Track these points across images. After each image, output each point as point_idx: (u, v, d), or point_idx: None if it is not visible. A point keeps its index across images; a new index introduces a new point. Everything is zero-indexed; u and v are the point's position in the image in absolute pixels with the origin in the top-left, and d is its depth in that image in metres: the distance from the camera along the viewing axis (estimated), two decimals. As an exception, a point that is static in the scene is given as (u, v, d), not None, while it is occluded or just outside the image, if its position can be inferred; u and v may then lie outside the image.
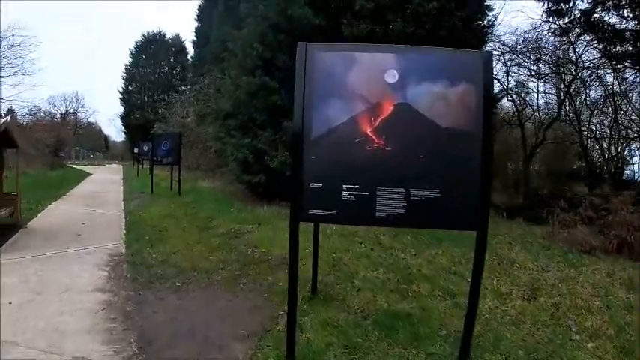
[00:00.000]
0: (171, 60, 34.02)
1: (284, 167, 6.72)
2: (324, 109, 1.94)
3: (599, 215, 4.59)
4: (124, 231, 5.53)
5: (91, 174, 17.27)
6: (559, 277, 3.58)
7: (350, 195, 1.93)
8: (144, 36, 33.84)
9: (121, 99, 33.86)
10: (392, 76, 1.94)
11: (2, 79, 17.72)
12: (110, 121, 79.61)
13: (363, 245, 4.48)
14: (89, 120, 41.85)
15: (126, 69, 33.77)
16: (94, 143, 42.23)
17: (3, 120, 4.99)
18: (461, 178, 1.95)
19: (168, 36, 34.30)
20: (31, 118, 21.91)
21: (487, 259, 4.29)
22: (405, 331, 2.57)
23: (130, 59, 33.95)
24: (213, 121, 10.45)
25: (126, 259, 4.15)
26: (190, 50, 29.88)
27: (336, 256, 4.09)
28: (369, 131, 1.93)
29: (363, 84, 1.95)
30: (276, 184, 7.16)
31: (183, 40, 33.70)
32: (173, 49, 33.99)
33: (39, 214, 6.47)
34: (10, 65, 18.35)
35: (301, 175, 1.94)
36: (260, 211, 6.64)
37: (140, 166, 17.80)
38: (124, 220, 6.38)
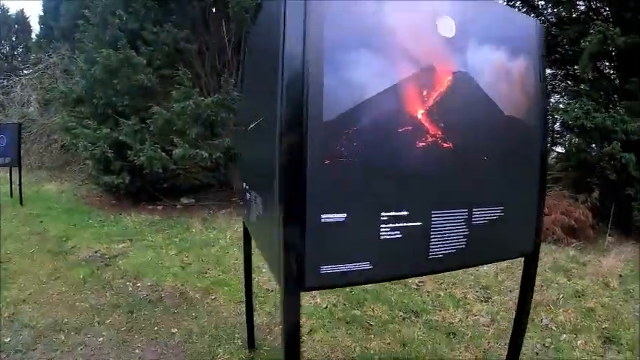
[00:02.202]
0: (13, 39, 26.73)
1: (153, 164, 5.44)
2: (345, 67, 1.01)
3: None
4: (-44, 271, 3.60)
5: None
6: (496, 270, 3.58)
7: (394, 229, 1.08)
8: (-16, 11, 25.98)
9: (-46, 85, 25.27)
10: (448, 28, 1.15)
11: None
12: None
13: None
14: None
15: (-39, 49, 25.22)
16: None
17: None
18: (520, 188, 1.36)
19: (12, 12, 26.72)
20: None
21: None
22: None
23: (-33, 37, 25.76)
24: (61, 107, 7.90)
25: (-38, 320, 2.57)
26: (36, 28, 24.14)
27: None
28: (420, 114, 1.11)
29: (408, 32, 1.10)
30: (142, 184, 6.00)
31: (27, 16, 26.85)
32: (17, 25, 27.15)
33: None
34: None
35: (301, 198, 0.98)
36: (127, 221, 5.29)
37: (-22, 169, 12.67)
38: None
